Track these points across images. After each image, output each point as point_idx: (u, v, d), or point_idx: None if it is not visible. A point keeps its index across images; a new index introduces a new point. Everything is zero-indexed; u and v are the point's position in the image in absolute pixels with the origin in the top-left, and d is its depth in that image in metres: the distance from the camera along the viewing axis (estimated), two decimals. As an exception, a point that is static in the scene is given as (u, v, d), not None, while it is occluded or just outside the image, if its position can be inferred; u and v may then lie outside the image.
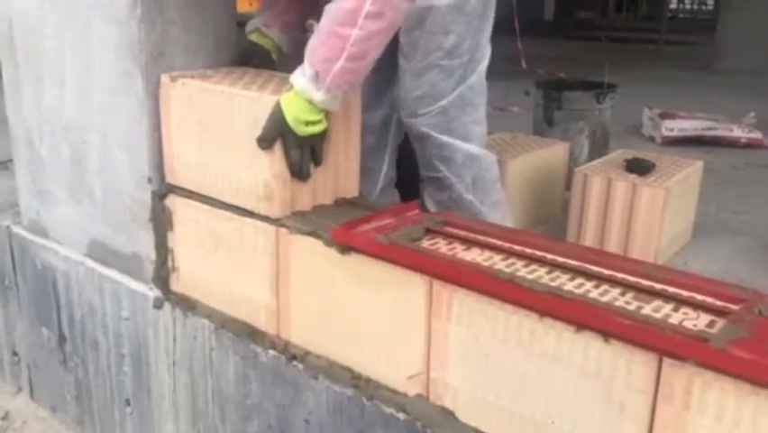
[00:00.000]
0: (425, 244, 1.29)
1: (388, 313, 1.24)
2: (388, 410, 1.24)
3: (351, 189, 1.54)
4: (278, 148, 1.35)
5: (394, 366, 1.25)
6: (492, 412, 1.14)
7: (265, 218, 1.38)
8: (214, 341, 1.52)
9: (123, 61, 1.52)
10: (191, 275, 1.57)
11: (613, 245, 2.15)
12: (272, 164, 1.35)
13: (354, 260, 1.26)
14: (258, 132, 1.34)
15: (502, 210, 1.92)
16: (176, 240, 1.57)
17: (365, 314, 1.27)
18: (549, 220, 2.64)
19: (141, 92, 1.51)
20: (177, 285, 1.60)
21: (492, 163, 1.91)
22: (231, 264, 1.47)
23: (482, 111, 1.88)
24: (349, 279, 1.28)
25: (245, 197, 1.41)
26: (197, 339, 1.55)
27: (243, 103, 1.37)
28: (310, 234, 1.31)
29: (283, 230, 1.35)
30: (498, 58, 2.81)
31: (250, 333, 1.45)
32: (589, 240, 2.19)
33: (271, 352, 1.41)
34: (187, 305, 1.57)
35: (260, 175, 1.37)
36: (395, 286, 1.22)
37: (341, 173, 1.50)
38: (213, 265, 1.51)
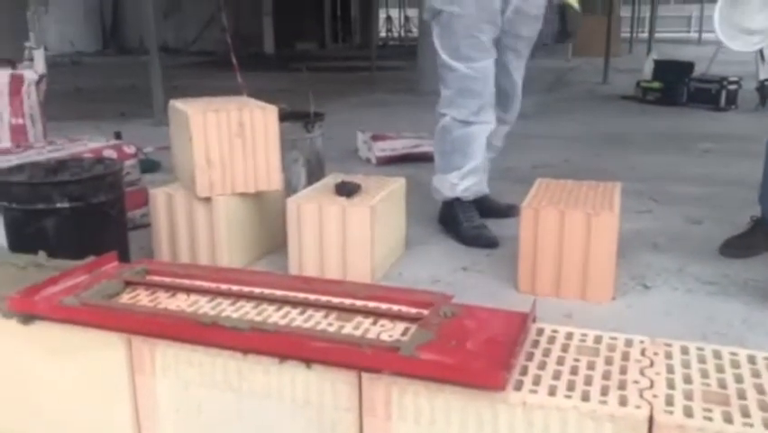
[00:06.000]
0: (125, 298, 1.22)
1: (88, 380, 1.14)
2: (101, 486, 1.13)
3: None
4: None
5: (103, 436, 1.15)
6: (213, 462, 1.10)
7: (-73, 298, 1.20)
8: None
9: None
10: None
11: (333, 269, 2.21)
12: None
13: (40, 329, 1.14)
14: None
15: None
16: None
17: (62, 386, 1.15)
18: (274, 252, 2.64)
19: None
20: None
21: None
22: None
23: None
24: (37, 351, 1.15)
25: None
26: None
27: None
28: (-17, 307, 1.16)
29: (-50, 308, 1.18)
30: (222, 94, 2.79)
31: (-73, 433, 1.25)
32: (309, 267, 2.23)
33: (-44, 450, 1.22)
34: None
35: None
36: (91, 350, 1.13)
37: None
38: None
